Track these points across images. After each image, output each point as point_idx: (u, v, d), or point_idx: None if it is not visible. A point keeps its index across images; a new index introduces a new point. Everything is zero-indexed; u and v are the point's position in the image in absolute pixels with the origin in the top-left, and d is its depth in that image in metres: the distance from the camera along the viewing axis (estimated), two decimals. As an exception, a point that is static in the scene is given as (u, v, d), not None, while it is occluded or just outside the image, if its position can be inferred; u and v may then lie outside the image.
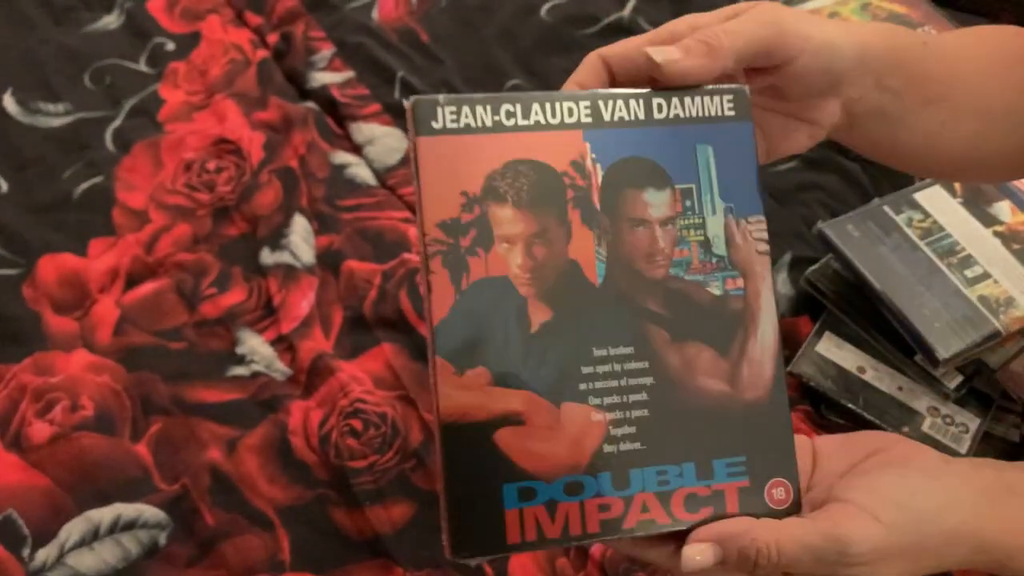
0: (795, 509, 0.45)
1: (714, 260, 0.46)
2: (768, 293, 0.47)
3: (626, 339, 0.44)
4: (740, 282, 0.46)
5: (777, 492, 0.45)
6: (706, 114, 0.47)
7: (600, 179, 0.45)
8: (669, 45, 0.45)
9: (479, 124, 0.44)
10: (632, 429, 0.44)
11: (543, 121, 0.45)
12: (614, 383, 0.44)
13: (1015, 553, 0.45)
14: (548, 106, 0.45)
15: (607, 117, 0.45)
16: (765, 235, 0.47)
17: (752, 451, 0.45)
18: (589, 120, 0.45)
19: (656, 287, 0.45)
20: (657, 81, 0.46)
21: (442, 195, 0.43)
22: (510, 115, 0.44)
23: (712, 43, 0.45)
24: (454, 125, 0.43)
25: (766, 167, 0.52)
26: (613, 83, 0.47)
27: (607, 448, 0.43)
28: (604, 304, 0.44)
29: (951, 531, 0.44)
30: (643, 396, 0.44)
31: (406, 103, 0.44)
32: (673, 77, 0.45)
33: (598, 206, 0.45)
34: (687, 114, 0.46)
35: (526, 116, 0.44)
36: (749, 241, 0.46)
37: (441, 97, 0.44)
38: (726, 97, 0.47)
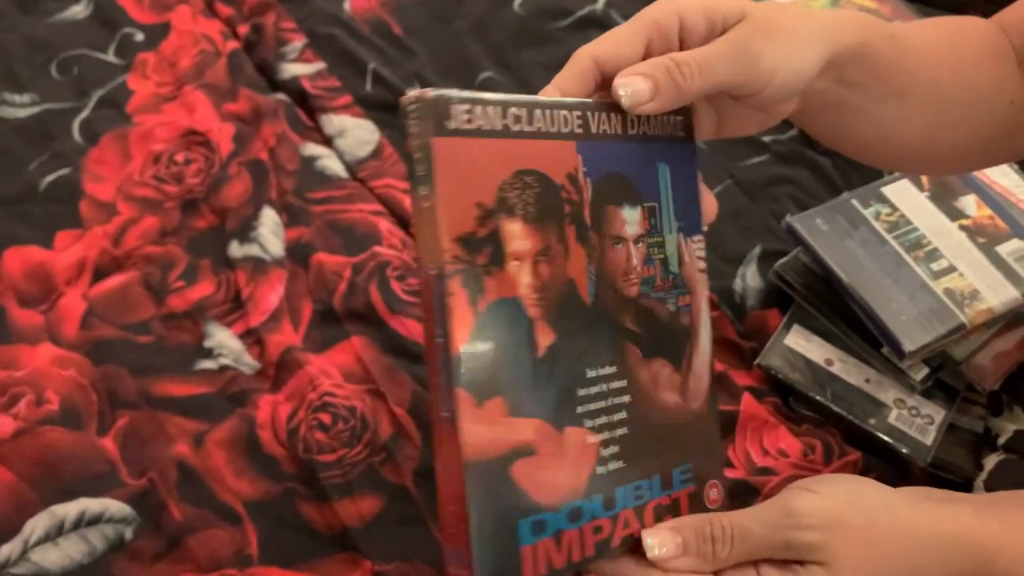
0: (726, 507, 0.47)
1: (671, 278, 0.46)
2: (706, 308, 0.48)
3: (610, 358, 0.44)
4: (688, 299, 0.47)
5: (712, 492, 0.47)
6: (665, 132, 0.46)
7: (590, 194, 0.43)
8: (645, 59, 0.44)
9: (490, 127, 0.40)
10: (616, 448, 0.44)
11: (544, 129, 0.42)
12: (602, 403, 0.43)
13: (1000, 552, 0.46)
14: (548, 113, 0.42)
15: (594, 129, 0.44)
16: (704, 253, 0.48)
17: (695, 457, 0.47)
18: (580, 131, 0.43)
19: (630, 305, 0.45)
20: None
21: (459, 206, 0.39)
22: (517, 119, 0.41)
23: (682, 85, 0.43)
24: (468, 126, 0.39)
25: (735, 159, 0.52)
26: (605, 85, 0.44)
27: (599, 470, 0.43)
28: (593, 323, 0.43)
29: (912, 523, 0.45)
30: (623, 414, 0.44)
31: (411, 93, 0.39)
32: (639, 113, 0.44)
33: (588, 223, 0.43)
34: (652, 131, 0.46)
35: (530, 122, 0.41)
36: (694, 260, 0.48)
37: (454, 94, 0.39)
38: (677, 117, 0.47)
